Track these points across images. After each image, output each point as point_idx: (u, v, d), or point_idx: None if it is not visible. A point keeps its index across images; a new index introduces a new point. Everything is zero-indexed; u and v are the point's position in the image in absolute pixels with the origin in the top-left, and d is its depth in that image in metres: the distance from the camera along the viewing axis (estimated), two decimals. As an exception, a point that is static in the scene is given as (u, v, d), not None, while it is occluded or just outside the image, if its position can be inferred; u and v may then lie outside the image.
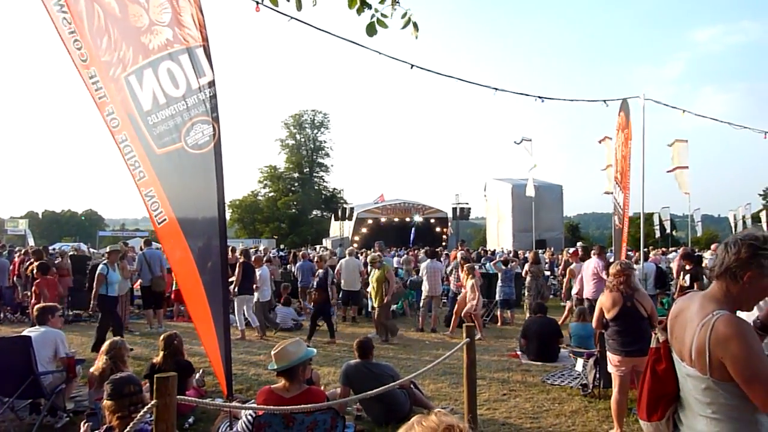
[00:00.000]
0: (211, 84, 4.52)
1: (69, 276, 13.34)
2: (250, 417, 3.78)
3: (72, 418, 5.58)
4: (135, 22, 4.43)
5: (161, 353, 5.62)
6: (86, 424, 3.19)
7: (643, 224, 11.05)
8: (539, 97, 9.66)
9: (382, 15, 4.05)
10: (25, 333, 5.63)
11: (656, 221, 36.00)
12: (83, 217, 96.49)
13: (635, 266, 7.79)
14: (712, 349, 1.92)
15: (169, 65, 4.47)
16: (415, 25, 4.16)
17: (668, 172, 16.44)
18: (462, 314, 10.44)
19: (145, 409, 2.50)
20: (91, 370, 5.36)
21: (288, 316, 11.69)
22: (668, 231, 35.97)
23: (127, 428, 2.51)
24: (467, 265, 10.87)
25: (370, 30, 4.04)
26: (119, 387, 3.07)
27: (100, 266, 9.31)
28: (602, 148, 13.14)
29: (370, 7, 4.05)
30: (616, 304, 4.96)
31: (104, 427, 3.04)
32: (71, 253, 15.92)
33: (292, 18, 6.31)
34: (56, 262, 13.44)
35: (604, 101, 10.42)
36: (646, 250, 13.48)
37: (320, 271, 10.63)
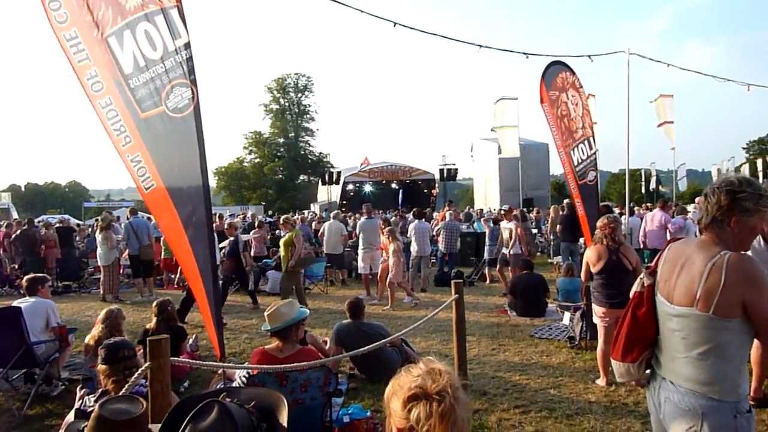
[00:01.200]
0: (187, 46, 4.42)
1: (56, 248, 13.30)
2: (244, 378, 3.85)
3: (67, 386, 5.64)
4: None
5: (154, 319, 5.66)
6: (82, 390, 3.23)
7: (629, 180, 11.14)
8: (524, 53, 9.57)
9: None
10: (15, 304, 5.63)
11: (642, 177, 36.35)
12: (67, 189, 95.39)
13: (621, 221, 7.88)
14: (728, 286, 2.00)
15: (146, 26, 4.36)
16: None
17: (658, 126, 16.48)
18: (387, 284, 10.04)
19: (139, 371, 2.54)
20: (87, 338, 5.39)
21: (279, 280, 11.73)
22: (653, 186, 36.32)
23: (123, 390, 2.54)
24: (388, 228, 10.31)
25: None
26: (113, 351, 3.10)
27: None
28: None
29: None
30: (601, 257, 5.05)
31: (99, 390, 3.08)
32: (57, 225, 15.80)
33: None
34: (42, 233, 13.36)
35: (589, 56, 10.36)
36: (631, 205, 13.60)
37: (230, 239, 10.06)
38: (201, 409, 1.71)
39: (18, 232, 13.44)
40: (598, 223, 5.30)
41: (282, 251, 9.73)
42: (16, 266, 13.15)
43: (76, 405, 3.02)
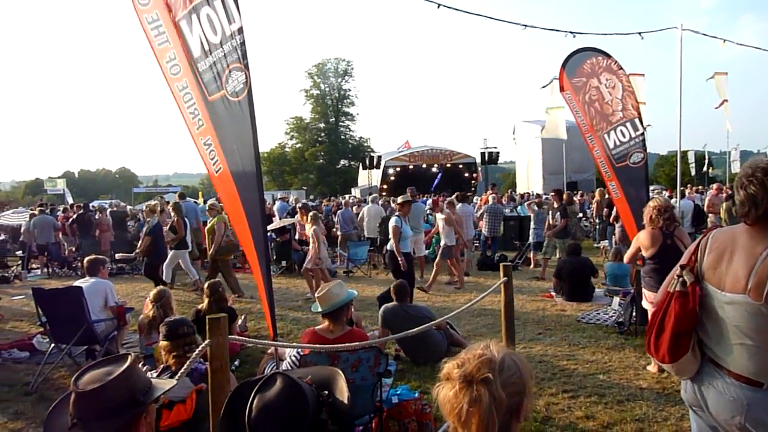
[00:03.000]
0: (240, 30, 4.47)
1: (110, 231, 13.82)
2: (295, 357, 3.94)
3: (125, 363, 5.89)
4: None
5: (206, 300, 5.82)
6: (143, 366, 3.37)
7: (680, 162, 10.78)
8: (570, 32, 9.34)
9: None
10: (76, 284, 5.89)
11: (691, 159, 35.05)
12: (117, 175, 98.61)
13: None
14: None
15: (207, 11, 4.42)
16: None
17: (716, 108, 15.81)
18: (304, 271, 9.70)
19: (200, 348, 2.63)
20: (141, 317, 5.61)
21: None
22: (705, 169, 35.05)
23: (183, 367, 2.64)
24: (311, 213, 9.79)
25: None
26: (174, 328, 3.24)
27: (394, 218, 8.18)
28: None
29: None
30: (655, 241, 4.89)
31: (161, 366, 3.21)
32: (111, 209, 16.38)
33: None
34: (96, 217, 13.88)
35: (639, 33, 10.03)
36: (682, 188, 13.17)
37: (149, 220, 9.94)
38: (265, 382, 1.75)
39: (75, 216, 14.02)
40: (651, 204, 5.14)
41: (207, 239, 9.60)
42: (74, 249, 13.73)
43: (77, 373, 3.15)
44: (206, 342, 2.62)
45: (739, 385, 2.07)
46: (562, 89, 8.53)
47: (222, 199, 5.11)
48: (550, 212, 11.16)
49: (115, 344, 5.86)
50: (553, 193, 11.50)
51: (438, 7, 7.32)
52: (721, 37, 10.60)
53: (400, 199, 8.62)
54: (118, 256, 13.19)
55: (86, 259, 6.40)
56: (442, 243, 10.16)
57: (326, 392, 1.88)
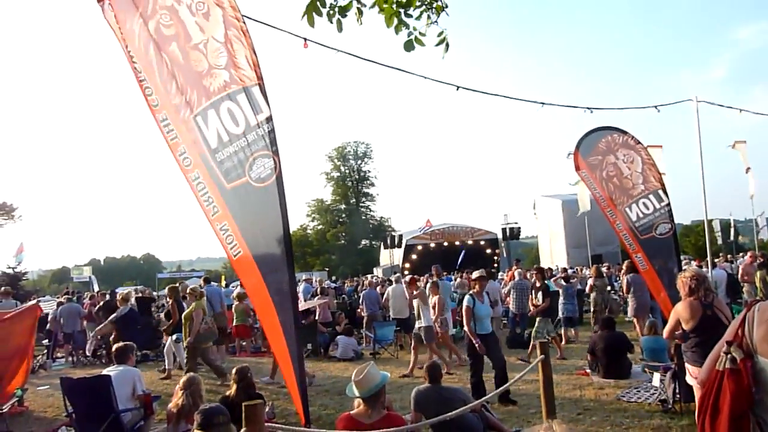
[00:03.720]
0: (269, 119, 4.69)
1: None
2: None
3: (152, 455, 5.73)
4: (196, 67, 4.69)
5: (234, 386, 5.70)
6: (176, 457, 3.27)
7: (708, 230, 10.64)
8: (588, 108, 9.53)
9: (420, 33, 4.17)
10: (105, 372, 5.85)
11: (716, 227, 34.53)
12: (141, 261, 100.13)
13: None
14: None
15: (228, 105, 4.69)
16: (447, 45, 4.26)
17: (746, 172, 15.84)
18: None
19: (236, 437, 2.55)
20: (170, 406, 5.50)
21: (349, 346, 11.70)
22: (732, 237, 34.46)
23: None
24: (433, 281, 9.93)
25: (408, 46, 4.15)
26: (209, 417, 3.16)
27: (467, 298, 7.39)
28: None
29: (407, 26, 4.18)
30: (695, 313, 4.71)
31: (195, 457, 3.11)
32: (137, 295, 16.50)
33: (338, 51, 6.53)
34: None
35: (656, 107, 10.20)
36: (713, 257, 12.92)
37: (121, 308, 10.06)
38: None
39: (101, 303, 14.11)
40: (687, 275, 5.00)
41: (184, 326, 9.44)
42: (99, 337, 13.70)
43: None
44: (243, 430, 2.55)
45: None
46: (577, 168, 8.72)
47: (243, 283, 5.19)
48: (533, 291, 11.01)
49: (141, 435, 5.72)
50: (535, 271, 11.36)
51: (457, 89, 7.58)
52: (736, 107, 10.72)
53: (475, 275, 7.91)
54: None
55: (115, 347, 6.39)
56: (422, 325, 9.84)
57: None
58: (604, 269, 19.89)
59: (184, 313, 9.56)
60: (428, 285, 10.94)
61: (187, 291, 10.40)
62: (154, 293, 27.90)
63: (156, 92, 4.62)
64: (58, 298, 18.48)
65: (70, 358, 13.41)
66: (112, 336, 9.90)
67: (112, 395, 5.36)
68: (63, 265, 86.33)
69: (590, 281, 12.07)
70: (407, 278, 11.54)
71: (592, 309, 12.10)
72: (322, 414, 7.08)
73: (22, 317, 8.20)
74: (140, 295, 17.38)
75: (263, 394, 6.30)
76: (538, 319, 10.42)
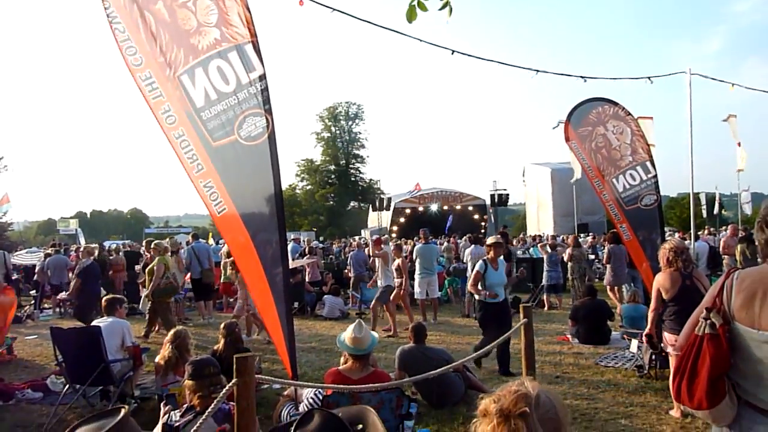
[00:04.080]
0: (262, 77, 4.66)
1: (124, 271, 13.88)
2: (315, 398, 3.91)
3: (139, 404, 5.85)
4: (183, 25, 4.64)
5: (222, 340, 5.81)
6: (166, 406, 3.36)
7: (693, 204, 10.80)
8: (581, 77, 9.51)
9: None
10: (94, 323, 5.91)
11: (702, 201, 34.92)
12: (129, 216, 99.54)
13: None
14: None
15: (218, 63, 4.65)
16: (450, 9, 4.19)
17: (738, 146, 15.97)
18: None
19: (226, 387, 2.62)
20: (158, 358, 5.59)
21: (336, 305, 11.86)
22: (716, 211, 34.89)
23: (210, 407, 2.63)
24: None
25: (410, 14, 4.07)
26: (200, 368, 3.24)
27: (479, 263, 7.22)
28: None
29: None
30: (675, 283, 4.86)
31: (185, 406, 3.20)
32: (124, 249, 16.51)
33: (334, 10, 6.42)
34: (111, 258, 13.97)
35: (649, 78, 10.18)
36: (696, 230, 13.13)
37: (82, 261, 10.01)
38: (302, 420, 1.76)
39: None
40: (667, 246, 5.13)
41: (147, 279, 9.51)
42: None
43: (163, 420, 3.14)
44: (233, 381, 2.62)
45: None
46: (567, 139, 8.74)
47: (225, 239, 5.23)
48: (316, 261, 11.08)
49: (130, 385, 5.82)
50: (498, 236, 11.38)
51: (452, 53, 7.51)
52: (728, 81, 10.72)
53: (490, 241, 7.45)
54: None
55: (104, 299, 6.43)
56: (380, 284, 10.01)
57: (360, 426, 1.88)
58: (589, 239, 20.20)
59: (147, 267, 9.62)
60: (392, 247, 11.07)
61: (152, 246, 10.48)
62: (142, 248, 27.93)
63: (141, 51, 4.57)
64: (44, 249, 18.44)
65: (57, 309, 13.48)
66: (71, 290, 9.89)
67: (102, 346, 5.44)
68: (49, 217, 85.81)
69: (568, 250, 12.27)
70: (373, 238, 11.70)
71: (570, 277, 12.33)
72: (307, 370, 7.23)
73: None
74: (128, 249, 17.37)
75: (250, 349, 6.41)
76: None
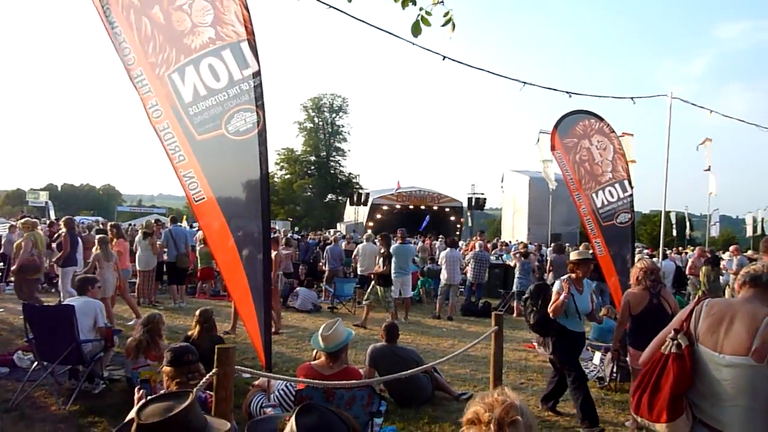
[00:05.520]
0: (256, 74, 4.73)
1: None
2: (285, 391, 3.98)
3: (108, 386, 5.85)
4: (178, 26, 4.75)
5: (197, 327, 5.83)
6: (141, 391, 3.39)
7: (664, 223, 11.10)
8: (567, 92, 9.68)
9: (427, 13, 4.19)
10: (67, 302, 5.88)
11: (672, 220, 35.77)
12: (101, 192, 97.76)
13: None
14: None
15: (210, 61, 4.75)
16: (453, 25, 4.30)
17: (705, 171, 16.38)
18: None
19: (206, 376, 2.69)
20: (129, 341, 5.60)
21: (309, 298, 11.92)
22: (687, 231, 35.80)
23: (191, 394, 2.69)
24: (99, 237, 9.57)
25: (416, 29, 4.17)
26: (180, 355, 3.29)
27: (561, 285, 5.56)
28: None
29: (415, 3, 4.17)
30: (642, 300, 5.06)
31: (162, 391, 3.24)
32: (97, 227, 16.26)
33: (330, 7, 6.46)
34: (83, 235, 13.75)
35: (632, 98, 10.44)
36: (665, 249, 13.49)
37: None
38: (301, 411, 1.84)
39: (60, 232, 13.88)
40: (639, 266, 5.33)
41: (15, 254, 9.43)
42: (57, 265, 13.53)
43: (138, 405, 3.17)
44: (213, 371, 2.69)
45: None
46: (553, 148, 8.88)
47: (202, 226, 5.35)
48: (376, 257, 11.19)
49: (100, 366, 5.82)
50: (380, 238, 11.32)
51: (443, 59, 7.59)
52: (707, 107, 11.04)
53: (575, 256, 5.89)
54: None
55: (76, 278, 6.40)
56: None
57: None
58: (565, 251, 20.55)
59: (15, 243, 9.57)
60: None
61: (21, 222, 10.36)
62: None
63: (134, 51, 4.70)
64: (11, 221, 18.04)
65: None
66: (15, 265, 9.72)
67: (74, 325, 5.42)
68: (18, 187, 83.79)
69: (550, 258, 12.57)
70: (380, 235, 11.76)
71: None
72: (277, 361, 7.28)
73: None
74: (100, 227, 17.11)
75: (223, 338, 6.45)
76: (372, 283, 10.58)
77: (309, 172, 62.02)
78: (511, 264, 13.94)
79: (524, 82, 9.12)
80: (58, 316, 5.51)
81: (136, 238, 12.13)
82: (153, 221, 13.59)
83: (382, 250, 10.72)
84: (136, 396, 3.51)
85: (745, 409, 2.21)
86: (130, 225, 28.64)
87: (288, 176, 61.39)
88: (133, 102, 4.99)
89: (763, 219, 30.67)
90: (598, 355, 7.38)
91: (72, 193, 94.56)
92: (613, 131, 8.77)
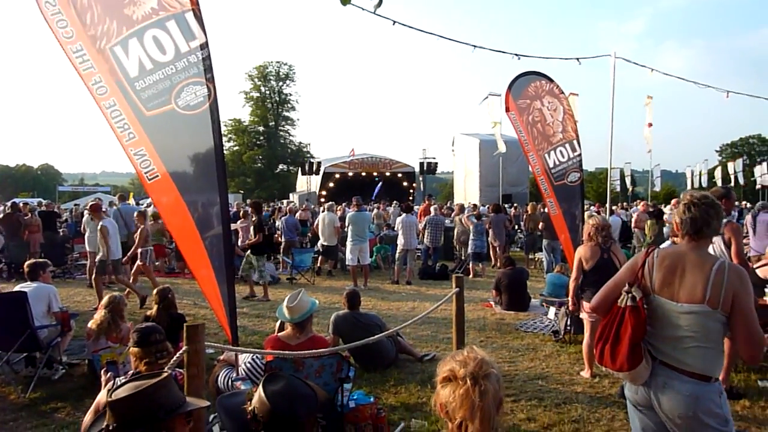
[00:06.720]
0: (204, 46, 4.59)
1: (39, 232, 13.17)
2: (254, 363, 4.01)
3: (68, 370, 5.75)
4: None
5: (155, 306, 5.76)
6: (107, 373, 3.37)
7: (610, 179, 11.52)
8: (516, 54, 9.85)
9: None
10: (18, 288, 5.70)
11: (616, 176, 37.05)
12: (39, 172, 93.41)
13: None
14: (729, 286, 2.38)
15: (154, 33, 4.57)
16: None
17: (649, 126, 16.98)
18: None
19: (177, 354, 2.70)
20: (90, 323, 5.50)
21: (267, 271, 11.84)
22: (629, 186, 37.14)
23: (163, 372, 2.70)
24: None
25: None
26: (146, 335, 3.26)
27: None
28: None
29: None
30: (594, 255, 5.30)
31: (130, 373, 3.23)
32: (40, 209, 15.63)
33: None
34: (25, 218, 13.21)
35: (577, 59, 10.70)
36: (611, 205, 14.03)
37: None
38: (268, 379, 1.89)
39: (1, 215, 13.30)
40: (590, 223, 5.55)
41: None
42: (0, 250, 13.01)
43: (107, 387, 3.16)
44: (184, 349, 2.70)
45: (694, 381, 2.44)
46: (507, 110, 8.99)
47: (157, 204, 5.23)
48: (248, 225, 11.12)
49: (57, 351, 5.71)
50: (251, 205, 11.35)
51: (393, 24, 7.58)
52: (649, 66, 11.43)
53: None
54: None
55: (26, 264, 6.18)
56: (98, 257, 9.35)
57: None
58: (512, 210, 21.08)
59: None
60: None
61: None
62: (56, 207, 26.45)
63: (71, 24, 4.46)
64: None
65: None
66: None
67: (28, 311, 5.28)
68: (-53, 170, 79.12)
69: (488, 218, 13.37)
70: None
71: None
72: (240, 335, 7.28)
73: None
74: (43, 209, 16.46)
75: (183, 314, 6.40)
76: (248, 253, 10.45)
77: (258, 142, 60.85)
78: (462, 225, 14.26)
79: (475, 45, 9.24)
80: (11, 303, 5.34)
81: (83, 220, 11.75)
82: (99, 200, 13.11)
83: (254, 218, 10.45)
84: (103, 378, 3.50)
85: (702, 348, 2.44)
86: (75, 205, 27.64)
87: (237, 148, 60.04)
88: (69, 78, 4.78)
89: (701, 172, 32.17)
90: (552, 310, 7.70)
91: (8, 174, 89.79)
92: (563, 92, 8.96)
